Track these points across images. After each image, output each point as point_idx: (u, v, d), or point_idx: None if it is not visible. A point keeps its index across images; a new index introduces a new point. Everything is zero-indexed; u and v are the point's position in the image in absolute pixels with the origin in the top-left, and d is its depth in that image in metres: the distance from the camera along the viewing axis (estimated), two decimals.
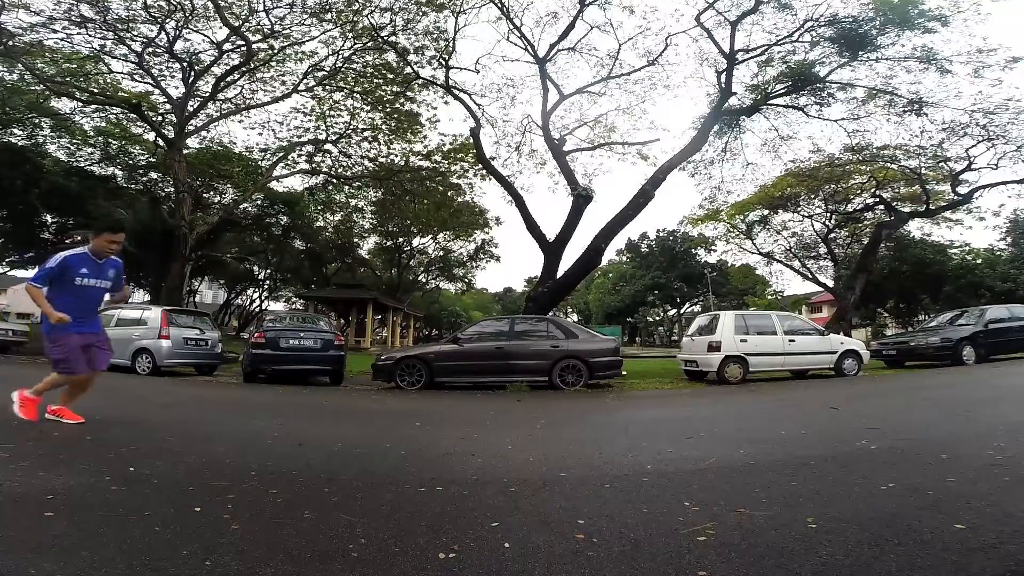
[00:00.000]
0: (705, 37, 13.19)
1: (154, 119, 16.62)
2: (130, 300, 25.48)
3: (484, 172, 16.34)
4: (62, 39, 14.14)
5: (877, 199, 19.68)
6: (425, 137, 17.31)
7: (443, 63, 14.10)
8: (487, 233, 29.68)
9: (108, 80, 16.27)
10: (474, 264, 33.92)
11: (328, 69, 15.80)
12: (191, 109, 15.99)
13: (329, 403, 6.60)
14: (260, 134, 32.85)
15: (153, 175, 22.38)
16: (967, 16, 12.34)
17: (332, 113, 17.06)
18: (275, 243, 27.80)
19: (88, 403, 4.19)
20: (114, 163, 21.40)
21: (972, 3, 12.17)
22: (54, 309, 3.49)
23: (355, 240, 30.19)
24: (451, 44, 13.81)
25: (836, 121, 15.59)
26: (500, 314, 41.57)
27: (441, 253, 33.06)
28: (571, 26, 13.27)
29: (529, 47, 13.62)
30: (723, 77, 13.40)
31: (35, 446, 3.15)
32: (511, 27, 13.36)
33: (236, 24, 14.18)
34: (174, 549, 1.69)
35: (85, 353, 3.77)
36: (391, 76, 15.48)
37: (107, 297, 4.07)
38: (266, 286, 33.83)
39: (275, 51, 15.40)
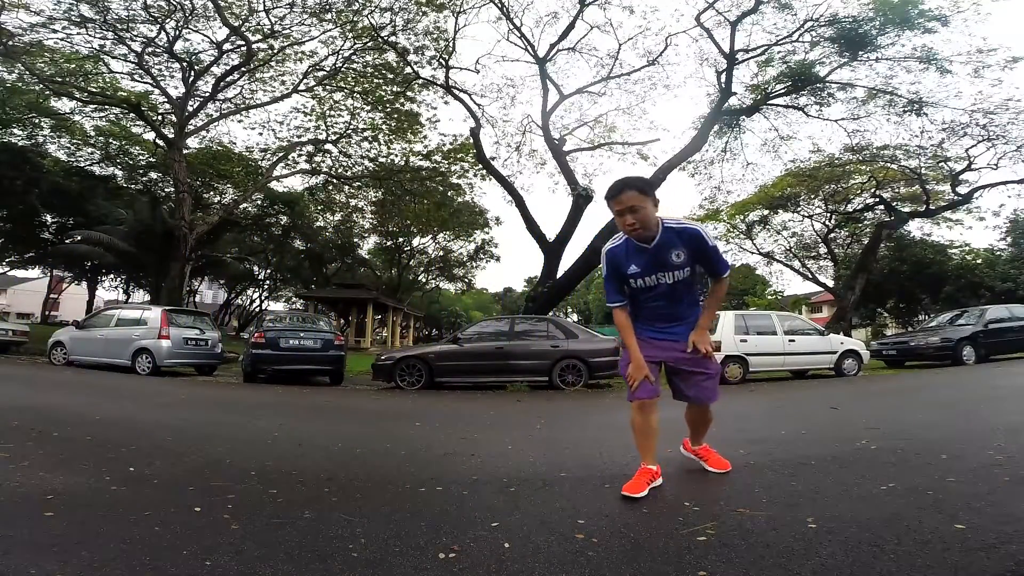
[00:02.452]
0: (705, 37, 13.20)
1: (154, 119, 16.61)
2: (130, 300, 25.42)
3: (484, 172, 16.33)
4: (62, 39, 14.15)
5: (877, 199, 19.68)
6: (425, 137, 17.33)
7: (443, 63, 14.10)
8: (487, 233, 29.69)
9: (108, 80, 16.27)
10: (474, 264, 33.90)
11: (328, 69, 15.80)
12: (191, 109, 15.98)
13: (329, 403, 6.60)
14: (260, 134, 32.85)
15: (153, 175, 22.41)
16: (967, 16, 12.34)
17: (332, 113, 17.08)
18: (275, 243, 27.81)
19: (88, 403, 4.19)
20: (114, 163, 21.42)
21: (972, 3, 12.18)
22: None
23: (355, 240, 30.20)
24: (451, 44, 13.82)
25: (836, 121, 15.59)
26: (500, 314, 41.54)
27: (441, 253, 33.04)
28: (571, 26, 13.28)
29: (529, 47, 13.63)
30: (723, 77, 13.40)
31: (35, 446, 3.15)
32: (511, 27, 13.37)
33: (236, 24, 14.18)
34: (174, 549, 1.69)
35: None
36: (391, 76, 15.48)
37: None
38: (266, 286, 33.86)
39: (275, 51, 15.40)
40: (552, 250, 12.85)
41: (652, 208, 2.25)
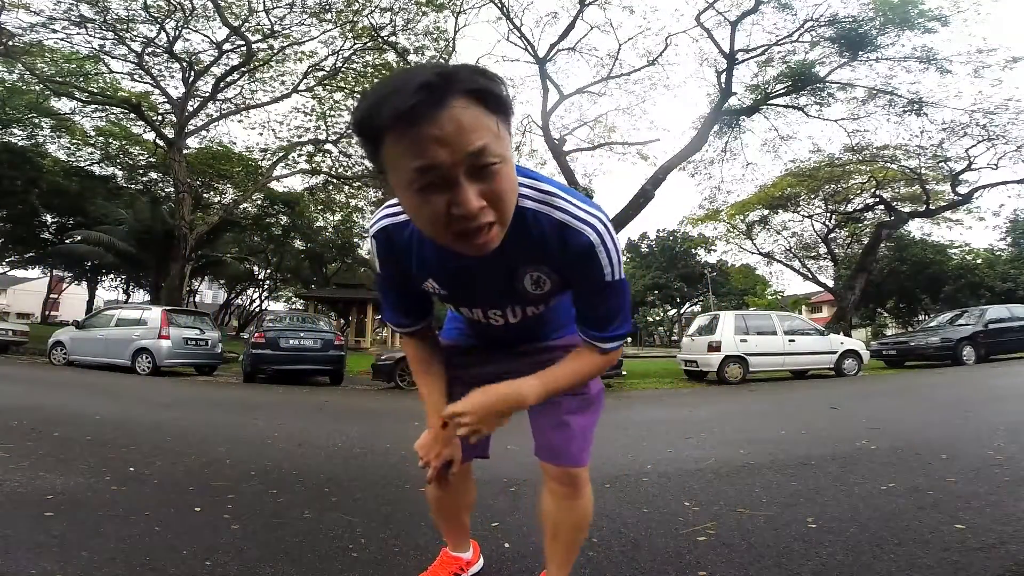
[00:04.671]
0: (705, 37, 13.22)
1: (154, 119, 16.61)
2: (130, 300, 25.38)
3: None
4: (62, 39, 14.15)
5: (877, 199, 19.68)
6: None
7: (443, 63, 14.10)
8: None
9: (108, 80, 16.25)
10: None
11: (328, 69, 15.79)
12: (191, 109, 15.97)
13: (329, 403, 6.60)
14: (260, 134, 32.77)
15: (153, 175, 22.40)
16: (967, 16, 12.38)
17: (332, 113, 17.05)
18: (275, 243, 27.79)
19: (88, 403, 4.19)
20: (114, 163, 21.41)
21: (972, 3, 12.19)
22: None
23: (355, 240, 30.19)
24: (451, 44, 13.84)
25: (836, 121, 15.63)
26: None
27: None
28: (571, 26, 13.29)
29: (529, 47, 13.64)
30: (723, 77, 13.41)
31: (35, 446, 3.15)
32: (511, 27, 13.38)
33: (236, 24, 14.17)
34: (174, 549, 1.69)
35: None
36: None
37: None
38: (266, 286, 33.86)
39: (275, 51, 15.40)
40: None
41: (510, 156, 0.76)
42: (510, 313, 1.07)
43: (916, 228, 21.90)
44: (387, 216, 0.96)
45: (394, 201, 0.94)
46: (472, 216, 0.71)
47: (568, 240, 0.88)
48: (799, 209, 22.32)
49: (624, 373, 9.37)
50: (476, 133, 0.68)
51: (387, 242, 0.98)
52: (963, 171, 16.51)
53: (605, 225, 0.89)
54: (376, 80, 15.33)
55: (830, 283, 22.72)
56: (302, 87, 16.31)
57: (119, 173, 22.36)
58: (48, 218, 23.00)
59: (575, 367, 1.05)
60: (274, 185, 21.09)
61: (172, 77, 16.10)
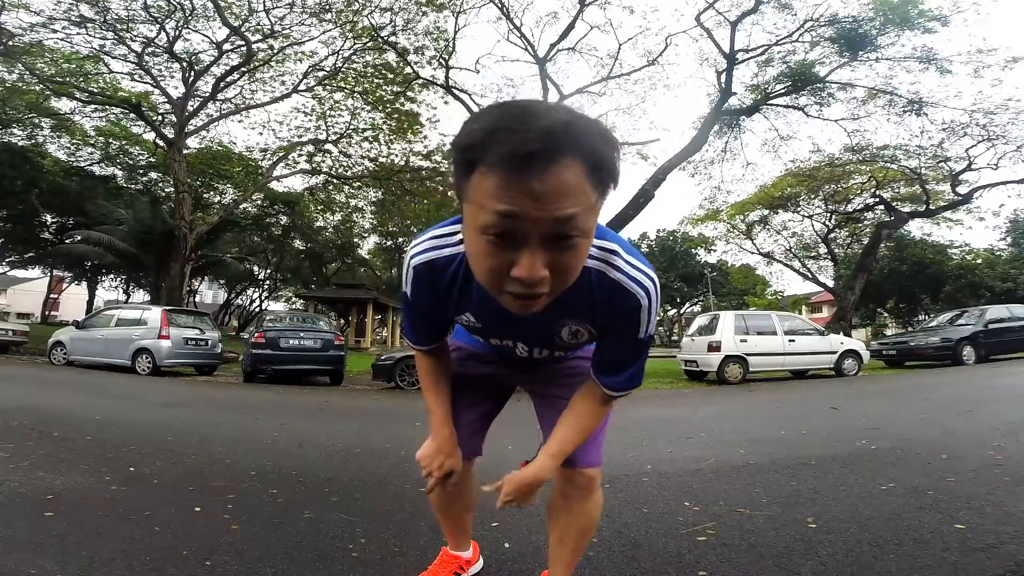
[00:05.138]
0: (705, 37, 13.21)
1: (154, 119, 16.62)
2: (130, 300, 25.36)
3: None
4: (62, 39, 14.15)
5: (877, 199, 19.68)
6: (425, 137, 17.36)
7: (443, 63, 14.11)
8: None
9: (108, 80, 16.27)
10: None
11: (328, 69, 15.80)
12: (191, 109, 15.98)
13: (329, 403, 6.60)
14: (260, 134, 32.79)
15: (153, 175, 22.42)
16: (967, 16, 12.39)
17: (332, 113, 17.08)
18: (275, 243, 27.82)
19: (88, 403, 4.19)
20: (114, 163, 21.44)
21: (972, 3, 12.20)
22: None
23: (355, 240, 30.20)
24: (451, 44, 13.83)
25: (836, 121, 15.62)
26: None
27: None
28: (571, 26, 13.29)
29: (529, 47, 13.64)
30: (723, 77, 13.41)
31: (35, 446, 3.15)
32: (511, 27, 13.38)
33: (236, 24, 14.18)
34: (174, 549, 1.69)
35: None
36: (391, 76, 15.48)
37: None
38: (266, 286, 33.87)
39: (275, 51, 15.40)
40: None
41: (593, 231, 0.73)
42: (537, 351, 1.09)
43: (916, 228, 21.95)
44: (431, 249, 0.91)
45: (438, 232, 0.92)
46: (529, 284, 0.67)
47: (618, 300, 0.88)
48: (799, 209, 22.34)
49: None
50: (572, 199, 0.62)
51: (428, 275, 0.93)
52: (963, 171, 16.52)
53: (655, 287, 0.90)
54: (376, 80, 15.37)
55: (830, 283, 22.73)
56: (302, 87, 16.32)
57: (119, 173, 22.38)
58: (48, 218, 23.01)
59: (579, 425, 1.08)
60: (274, 185, 21.11)
61: (172, 77, 16.13)
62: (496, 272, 0.69)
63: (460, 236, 0.87)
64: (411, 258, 0.94)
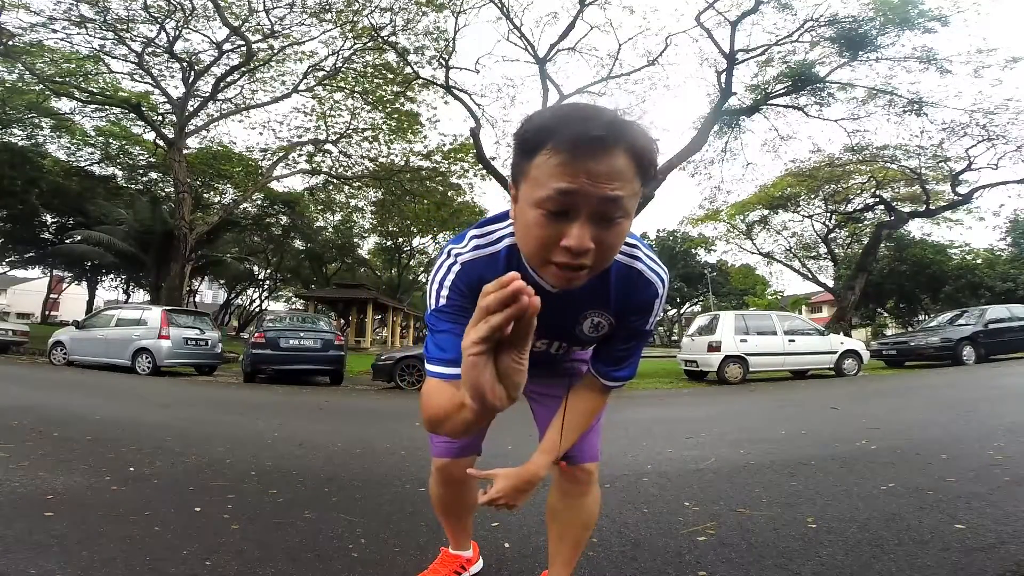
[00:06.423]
0: (705, 37, 13.20)
1: (154, 119, 16.62)
2: (130, 300, 25.36)
3: (484, 172, 16.35)
4: (62, 39, 14.16)
5: (877, 199, 19.69)
6: (425, 137, 17.36)
7: (443, 63, 14.11)
8: None
9: (108, 80, 16.27)
10: None
11: (328, 69, 15.81)
12: (191, 109, 15.98)
13: (329, 403, 6.60)
14: (260, 134, 32.81)
15: (153, 175, 22.43)
16: (967, 16, 12.38)
17: (332, 113, 17.08)
18: (275, 243, 27.81)
19: (88, 403, 4.19)
20: (114, 163, 21.44)
21: (972, 3, 12.20)
22: None
23: (355, 240, 30.20)
24: (451, 44, 13.82)
25: (836, 121, 15.63)
26: None
27: None
28: (571, 26, 13.28)
29: (529, 47, 13.63)
30: (723, 77, 13.40)
31: (35, 446, 3.15)
32: (511, 27, 13.37)
33: (236, 24, 14.18)
34: (174, 549, 1.69)
35: None
36: (391, 76, 15.48)
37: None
38: (266, 286, 33.86)
39: (275, 51, 15.40)
40: None
41: (632, 217, 0.79)
42: (556, 345, 1.12)
43: (916, 228, 21.93)
44: (479, 248, 0.95)
45: (483, 231, 0.96)
46: (578, 252, 0.72)
47: (640, 288, 0.96)
48: (799, 209, 22.34)
49: None
50: (621, 183, 0.70)
51: (472, 271, 0.93)
52: (963, 171, 16.52)
53: (668, 280, 1.00)
54: (376, 80, 15.35)
55: (830, 283, 22.73)
56: (302, 87, 16.33)
57: (119, 173, 22.38)
58: (48, 218, 23.01)
59: (575, 421, 1.11)
60: (274, 185, 21.12)
61: (172, 77, 16.14)
62: (545, 243, 0.74)
63: (497, 235, 0.95)
64: (460, 258, 0.94)
